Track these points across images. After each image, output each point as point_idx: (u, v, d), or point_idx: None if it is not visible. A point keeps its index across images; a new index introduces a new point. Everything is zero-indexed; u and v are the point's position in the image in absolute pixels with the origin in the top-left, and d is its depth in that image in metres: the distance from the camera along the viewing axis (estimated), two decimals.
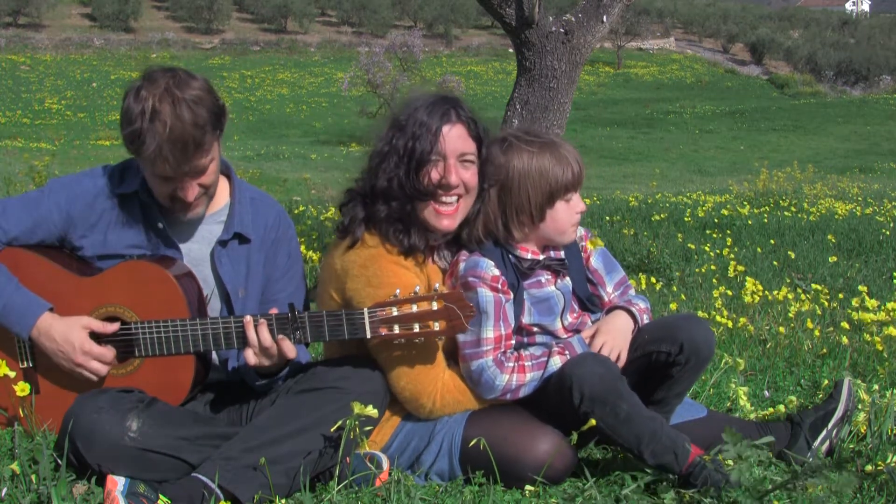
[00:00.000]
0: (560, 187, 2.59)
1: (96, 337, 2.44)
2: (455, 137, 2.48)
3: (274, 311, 2.39)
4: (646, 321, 2.70)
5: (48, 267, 2.47)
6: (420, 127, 2.46)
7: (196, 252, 2.56)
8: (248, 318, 2.36)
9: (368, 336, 2.33)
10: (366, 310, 2.32)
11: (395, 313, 2.31)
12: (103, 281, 2.45)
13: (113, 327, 2.42)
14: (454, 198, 2.50)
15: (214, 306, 2.58)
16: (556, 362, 2.49)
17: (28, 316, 2.40)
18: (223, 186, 2.62)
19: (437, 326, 2.31)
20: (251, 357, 2.37)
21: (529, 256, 2.64)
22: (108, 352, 2.43)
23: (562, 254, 2.71)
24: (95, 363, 2.41)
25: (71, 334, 2.39)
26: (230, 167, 2.63)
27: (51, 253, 2.51)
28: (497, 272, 2.54)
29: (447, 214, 2.51)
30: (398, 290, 2.34)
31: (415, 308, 2.31)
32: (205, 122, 2.35)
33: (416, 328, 2.31)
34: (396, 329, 2.31)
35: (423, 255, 2.53)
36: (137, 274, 2.43)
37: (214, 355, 2.61)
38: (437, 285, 2.34)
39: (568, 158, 2.60)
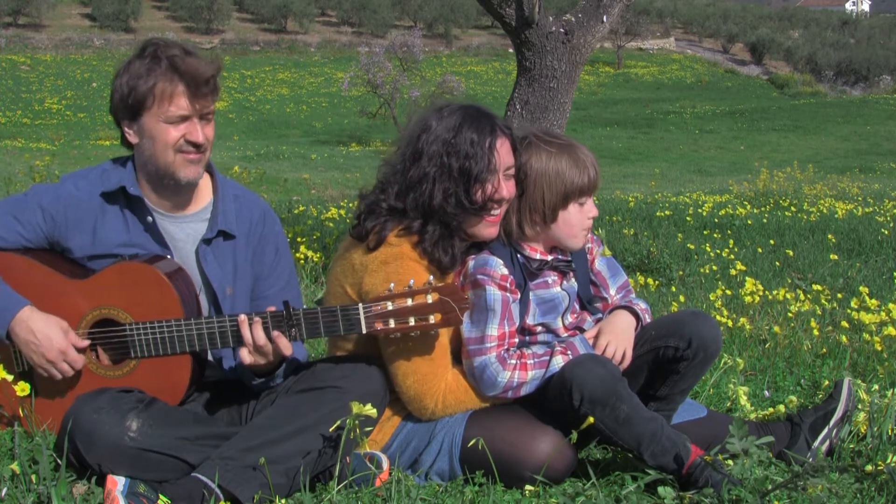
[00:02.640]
0: (575, 190, 2.60)
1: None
2: (505, 152, 2.52)
3: (271, 309, 2.39)
4: (648, 321, 2.71)
5: (40, 270, 2.46)
6: (472, 146, 2.46)
7: (181, 251, 2.55)
8: (243, 317, 2.35)
9: (364, 331, 2.33)
10: (360, 305, 2.32)
11: (391, 307, 2.31)
12: (96, 283, 2.43)
13: (84, 343, 2.43)
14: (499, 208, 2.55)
15: (202, 306, 2.57)
16: (559, 362, 2.50)
17: (6, 311, 2.40)
18: (206, 183, 2.60)
19: (432, 319, 2.31)
20: (246, 356, 2.36)
21: (538, 257, 2.64)
22: (80, 359, 2.42)
23: (568, 255, 2.72)
24: (65, 365, 2.41)
25: (51, 331, 2.39)
26: (212, 164, 2.62)
27: (42, 256, 2.50)
28: (505, 271, 2.54)
29: (494, 223, 2.56)
30: (392, 284, 2.34)
31: (410, 302, 2.30)
32: (216, 62, 2.42)
33: (412, 322, 2.31)
34: (392, 323, 2.31)
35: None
36: (130, 275, 2.42)
37: (210, 354, 2.60)
38: (430, 278, 2.33)
39: (585, 162, 2.61)
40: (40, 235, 2.50)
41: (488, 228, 2.55)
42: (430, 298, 2.30)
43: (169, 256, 2.51)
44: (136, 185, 2.50)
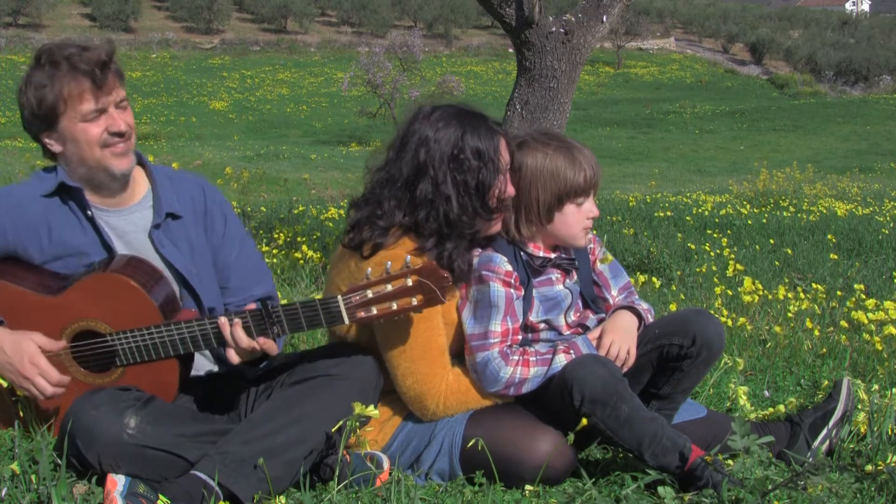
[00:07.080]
0: (569, 190, 2.59)
1: (73, 350, 2.42)
2: (504, 152, 2.53)
3: (251, 307, 2.39)
4: (650, 321, 2.71)
5: (11, 290, 2.43)
6: (480, 156, 2.46)
7: (134, 242, 2.55)
8: (224, 320, 2.35)
9: (346, 321, 2.32)
10: (340, 296, 2.32)
11: (371, 295, 2.30)
12: (70, 298, 2.41)
13: (60, 345, 2.40)
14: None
15: (174, 289, 2.54)
16: (561, 360, 2.50)
17: None
18: (140, 174, 2.61)
19: (414, 301, 2.30)
20: (233, 356, 2.38)
21: (541, 254, 2.65)
22: (54, 372, 2.38)
23: (572, 253, 2.72)
24: (41, 379, 2.37)
25: (22, 345, 2.36)
26: (141, 154, 2.62)
27: (12, 275, 2.46)
28: (510, 267, 2.55)
29: (500, 219, 2.58)
30: (369, 270, 2.33)
31: (389, 287, 2.29)
32: (108, 45, 2.43)
33: (395, 306, 2.30)
34: (374, 310, 2.30)
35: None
36: (101, 286, 2.40)
37: (208, 352, 2.61)
38: (408, 258, 2.33)
39: (582, 162, 2.60)
40: None
41: (497, 225, 2.58)
42: (409, 281, 2.29)
43: (114, 250, 2.50)
44: (71, 181, 2.50)
